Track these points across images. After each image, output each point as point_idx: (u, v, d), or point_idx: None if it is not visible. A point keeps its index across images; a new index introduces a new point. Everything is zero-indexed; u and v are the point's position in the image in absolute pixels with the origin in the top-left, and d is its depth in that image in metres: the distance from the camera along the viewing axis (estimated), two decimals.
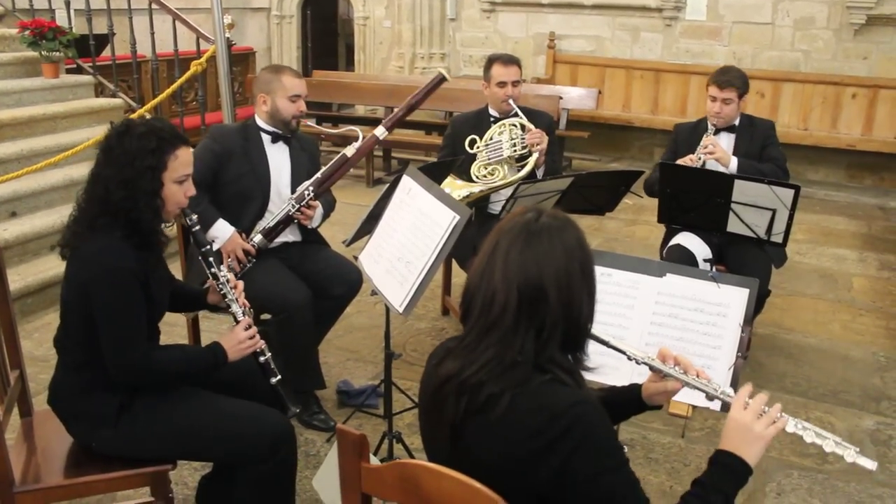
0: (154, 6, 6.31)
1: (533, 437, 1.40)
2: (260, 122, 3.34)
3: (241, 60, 8.65)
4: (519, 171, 3.73)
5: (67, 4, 6.39)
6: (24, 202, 4.86)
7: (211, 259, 2.43)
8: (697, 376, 1.71)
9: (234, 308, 2.43)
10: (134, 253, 2.16)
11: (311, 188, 3.24)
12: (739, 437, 1.56)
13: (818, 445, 1.58)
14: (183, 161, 2.22)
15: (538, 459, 1.40)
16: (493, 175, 3.78)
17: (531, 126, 3.77)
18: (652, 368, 1.74)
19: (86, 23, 6.39)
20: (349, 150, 3.30)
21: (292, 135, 3.37)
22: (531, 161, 3.71)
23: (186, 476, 2.94)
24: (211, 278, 2.46)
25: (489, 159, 3.78)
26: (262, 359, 2.44)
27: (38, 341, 3.99)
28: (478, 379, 1.45)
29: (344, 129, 3.51)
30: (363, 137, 3.35)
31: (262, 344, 2.43)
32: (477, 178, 3.77)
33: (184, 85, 6.35)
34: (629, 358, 1.73)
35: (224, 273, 2.45)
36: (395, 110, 3.41)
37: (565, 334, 1.49)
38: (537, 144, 3.71)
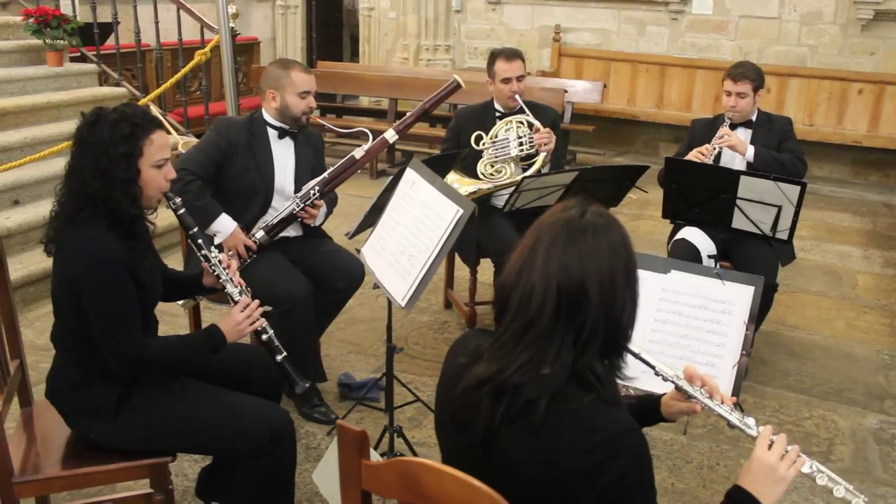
0: None
1: (580, 457, 1.36)
2: (267, 117, 3.30)
3: (246, 50, 8.63)
4: (525, 170, 3.71)
5: None
6: (27, 190, 4.86)
7: (200, 241, 2.41)
8: (722, 402, 1.65)
9: (230, 288, 2.42)
10: (119, 242, 2.13)
11: (316, 188, 3.22)
12: (763, 477, 1.52)
13: (829, 489, 1.55)
14: (159, 145, 2.18)
15: (582, 480, 1.37)
16: (499, 174, 3.75)
17: (538, 124, 3.73)
18: (678, 388, 1.69)
19: (90, 11, 6.38)
20: (357, 153, 3.26)
21: (300, 130, 3.34)
22: (538, 161, 3.69)
23: (186, 468, 2.94)
24: (202, 260, 2.44)
25: (496, 158, 3.76)
26: (264, 337, 2.44)
27: (39, 330, 3.99)
28: (514, 381, 1.39)
29: (355, 129, 3.46)
30: (373, 139, 3.31)
31: (262, 322, 2.41)
32: (483, 175, 3.75)
33: (188, 74, 6.36)
34: (656, 373, 1.68)
35: (216, 254, 2.43)
36: (408, 115, 3.37)
37: (605, 340, 1.43)
38: (546, 144, 3.68)
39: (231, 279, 2.43)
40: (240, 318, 2.35)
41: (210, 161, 3.17)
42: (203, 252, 2.42)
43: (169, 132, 6.22)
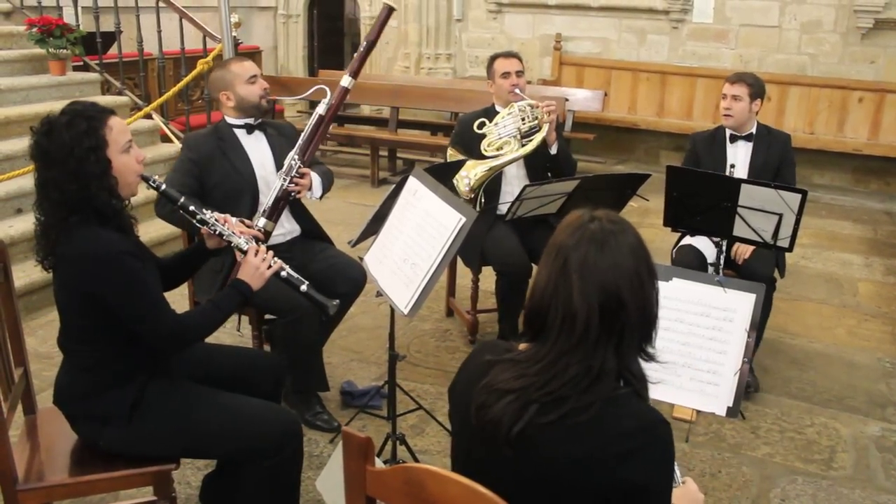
0: (161, 4, 6.33)
1: (617, 440, 1.40)
2: (230, 120, 3.36)
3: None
4: (525, 145, 3.74)
5: (75, 2, 6.42)
6: (31, 199, 4.77)
7: (192, 208, 2.43)
8: None
9: (236, 241, 2.44)
10: (119, 236, 2.15)
11: (296, 156, 3.24)
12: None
13: None
14: (119, 129, 2.18)
15: (614, 463, 1.40)
16: (501, 149, 3.77)
17: (539, 103, 3.77)
18: None
19: (93, 20, 6.40)
20: (321, 108, 3.27)
21: (264, 117, 3.39)
22: (540, 134, 3.71)
23: (189, 476, 2.94)
24: (200, 226, 2.45)
25: (500, 137, 3.78)
26: (283, 274, 2.49)
27: (43, 338, 4.00)
28: (559, 394, 1.42)
29: (312, 89, 3.42)
30: (331, 94, 3.30)
31: (278, 263, 2.46)
32: (487, 153, 3.76)
33: (190, 83, 6.39)
34: None
35: (210, 214, 2.44)
36: (356, 53, 3.38)
37: (640, 334, 1.49)
38: (550, 113, 3.71)
39: (234, 233, 2.45)
40: (256, 262, 2.39)
41: (190, 176, 3.23)
42: (199, 217, 2.43)
43: (170, 139, 6.25)
